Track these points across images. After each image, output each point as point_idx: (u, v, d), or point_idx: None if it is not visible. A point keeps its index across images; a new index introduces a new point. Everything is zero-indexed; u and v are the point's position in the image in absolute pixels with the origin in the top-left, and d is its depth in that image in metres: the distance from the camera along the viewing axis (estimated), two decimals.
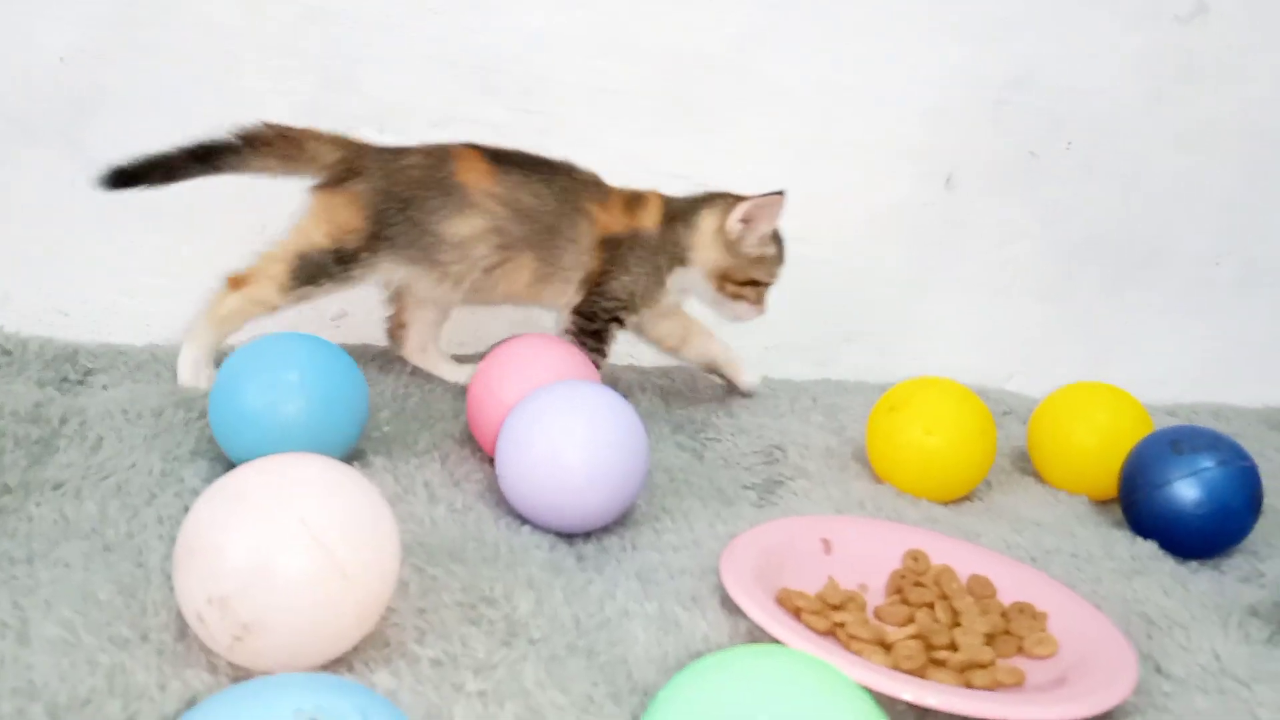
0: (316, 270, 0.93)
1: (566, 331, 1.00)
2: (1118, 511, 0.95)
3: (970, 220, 1.31)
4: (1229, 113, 1.33)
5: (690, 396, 1.13)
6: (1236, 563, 0.89)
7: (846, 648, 0.64)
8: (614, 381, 1.12)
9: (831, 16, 1.22)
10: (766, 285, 1.03)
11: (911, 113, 1.26)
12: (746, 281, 1.01)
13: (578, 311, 0.99)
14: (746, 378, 1.12)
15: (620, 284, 0.99)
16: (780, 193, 0.98)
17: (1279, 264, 1.42)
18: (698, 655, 0.63)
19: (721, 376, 1.13)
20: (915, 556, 0.77)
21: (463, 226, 0.94)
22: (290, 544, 0.54)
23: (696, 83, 1.20)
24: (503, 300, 1.00)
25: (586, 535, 0.78)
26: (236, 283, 0.93)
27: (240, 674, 0.55)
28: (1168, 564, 0.86)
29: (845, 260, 1.28)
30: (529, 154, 0.98)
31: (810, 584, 0.72)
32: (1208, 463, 0.88)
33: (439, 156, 0.95)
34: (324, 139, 0.94)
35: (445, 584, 0.66)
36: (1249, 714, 0.64)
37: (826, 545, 0.77)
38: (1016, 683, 0.63)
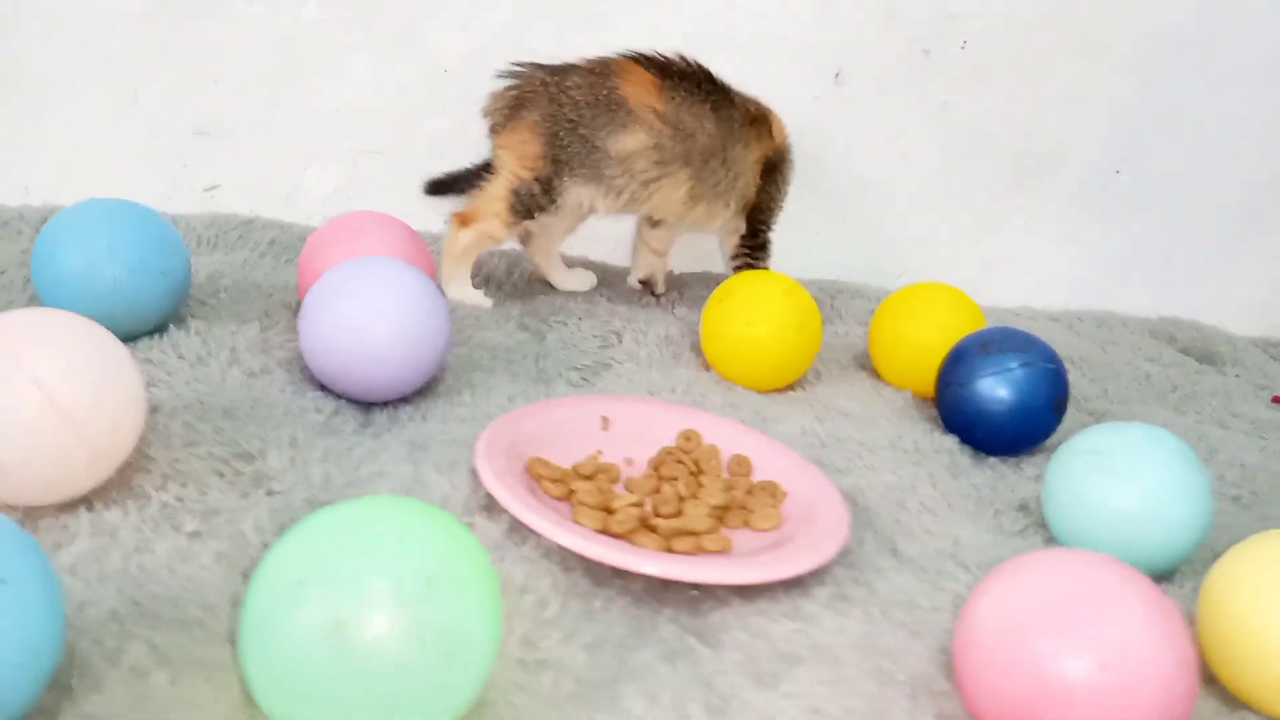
0: (530, 201, 1.01)
1: (739, 258, 1.10)
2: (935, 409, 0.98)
3: (860, 116, 1.31)
4: (1130, 18, 1.30)
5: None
6: (1037, 461, 0.92)
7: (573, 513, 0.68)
8: (480, 267, 1.15)
9: None
10: None
11: (804, 4, 1.24)
12: None
13: (745, 239, 1.09)
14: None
15: (771, 199, 1.08)
16: None
17: (1177, 174, 1.41)
18: None
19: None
20: (688, 436, 0.80)
21: (628, 141, 0.99)
22: (16, 394, 0.58)
23: None
24: (649, 214, 1.07)
25: (384, 404, 0.82)
26: (463, 219, 1.03)
27: None
28: (956, 458, 0.89)
29: None
30: (685, 59, 1.02)
31: (576, 456, 0.76)
32: (1012, 363, 0.90)
33: (602, 73, 1.00)
34: (498, 90, 1.01)
35: (208, 438, 0.71)
36: (952, 597, 0.68)
37: (605, 422, 0.80)
38: (722, 549, 0.67)
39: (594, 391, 0.92)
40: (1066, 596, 0.52)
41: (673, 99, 1.00)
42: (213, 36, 1.13)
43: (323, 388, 0.82)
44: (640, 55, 1.02)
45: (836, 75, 1.27)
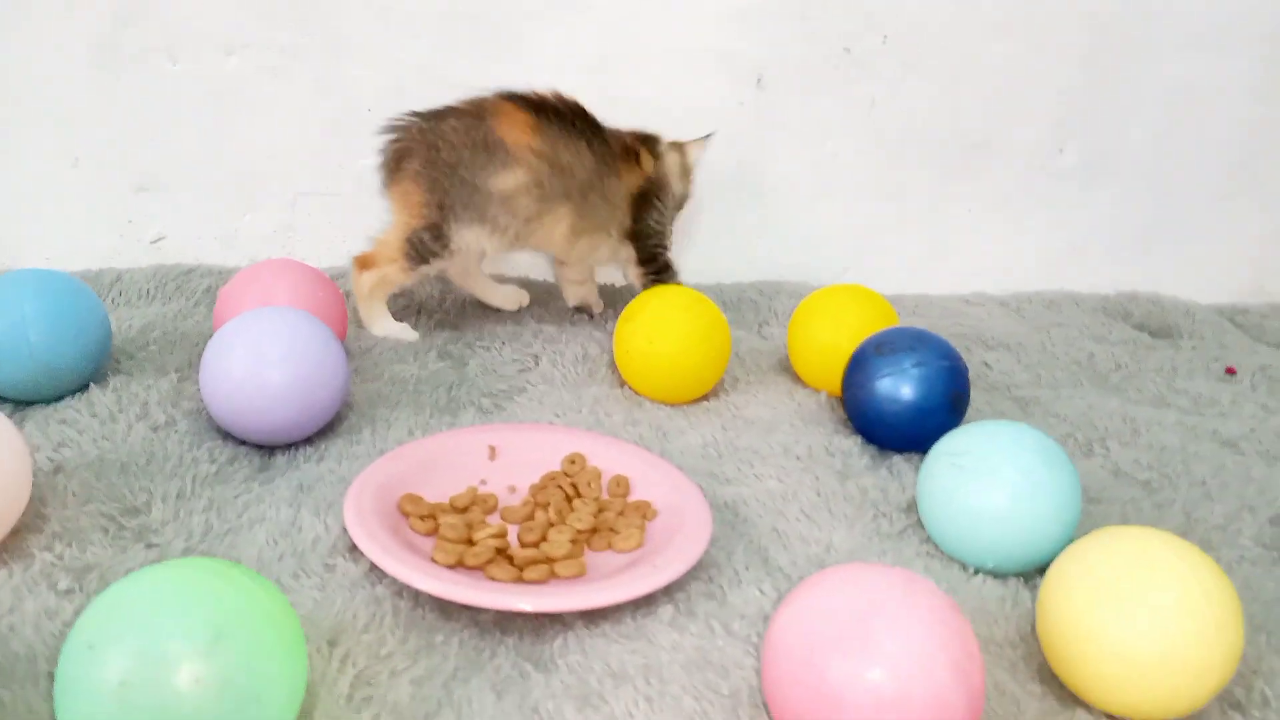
0: (423, 249, 1.04)
1: (640, 281, 1.13)
2: None
3: (788, 120, 1.32)
4: None
5: (485, 309, 1.19)
6: None
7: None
8: (412, 295, 1.19)
9: None
10: None
11: (717, 14, 1.26)
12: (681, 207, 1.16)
13: (642, 264, 1.12)
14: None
15: (654, 220, 1.11)
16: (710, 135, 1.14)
17: (1124, 151, 1.40)
18: (302, 557, 0.71)
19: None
20: (572, 459, 0.83)
21: (507, 180, 1.02)
22: None
23: None
24: (535, 249, 1.13)
25: (286, 447, 0.86)
26: (363, 263, 1.06)
27: None
28: (852, 460, 0.91)
29: None
30: (561, 96, 1.06)
31: (459, 487, 0.79)
32: (906, 363, 0.91)
33: (476, 114, 1.02)
34: (389, 137, 1.04)
35: (100, 495, 0.75)
36: None
37: (492, 452, 0.83)
38: (575, 575, 0.69)
39: (504, 416, 0.95)
40: (848, 612, 0.53)
41: (548, 136, 1.02)
42: (143, 96, 1.18)
43: (227, 435, 0.86)
44: (514, 94, 1.04)
45: (759, 80, 1.29)
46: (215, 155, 1.22)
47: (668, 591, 0.69)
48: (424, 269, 1.05)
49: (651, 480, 0.81)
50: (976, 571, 0.76)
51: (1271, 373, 1.21)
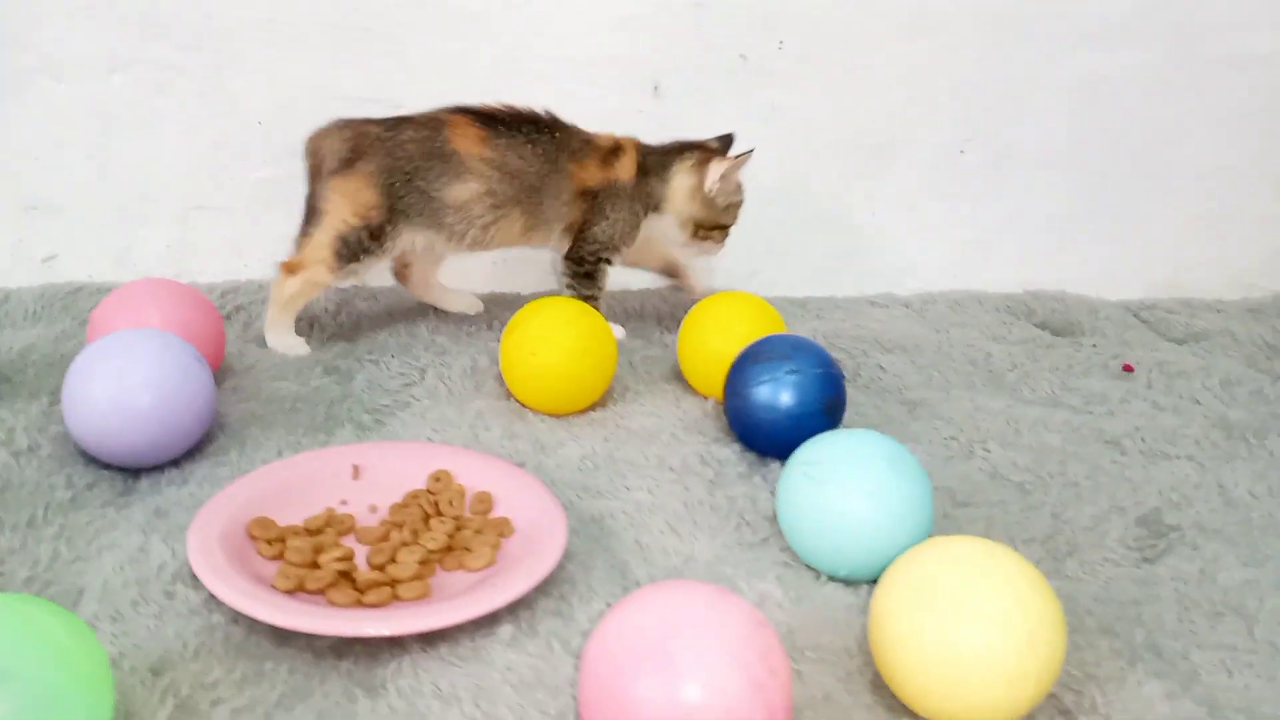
0: (356, 248, 1.05)
1: (563, 276, 1.13)
2: None
3: (688, 127, 1.31)
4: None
5: (387, 318, 1.19)
6: None
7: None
8: (307, 308, 1.18)
9: None
10: (729, 227, 1.15)
11: (609, 22, 1.26)
12: (715, 226, 1.14)
13: (568, 258, 1.12)
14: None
15: (600, 229, 1.10)
16: (751, 151, 1.11)
17: (1029, 148, 1.41)
18: (144, 585, 0.70)
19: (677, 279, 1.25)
20: (437, 477, 0.83)
21: (461, 190, 1.05)
22: None
23: (376, 9, 1.22)
24: (498, 248, 1.12)
25: (152, 469, 0.85)
26: (290, 268, 1.06)
27: None
28: (726, 469, 0.91)
29: None
30: (515, 110, 1.08)
31: (317, 509, 0.79)
32: (781, 371, 0.92)
33: (434, 126, 1.05)
34: (324, 135, 1.05)
35: None
36: None
37: (356, 471, 0.83)
38: (418, 597, 0.69)
39: (384, 432, 0.95)
40: (651, 630, 0.53)
41: (498, 145, 1.05)
42: (28, 116, 1.17)
43: (91, 459, 0.85)
44: (466, 108, 1.07)
45: (656, 88, 1.29)
46: (104, 172, 1.21)
47: (512, 610, 0.69)
48: (352, 267, 1.06)
49: (515, 497, 0.81)
50: (832, 579, 0.76)
51: (1169, 369, 1.22)
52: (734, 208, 1.14)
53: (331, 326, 1.17)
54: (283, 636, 0.65)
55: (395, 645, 0.65)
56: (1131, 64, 1.40)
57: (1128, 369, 1.24)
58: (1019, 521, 0.86)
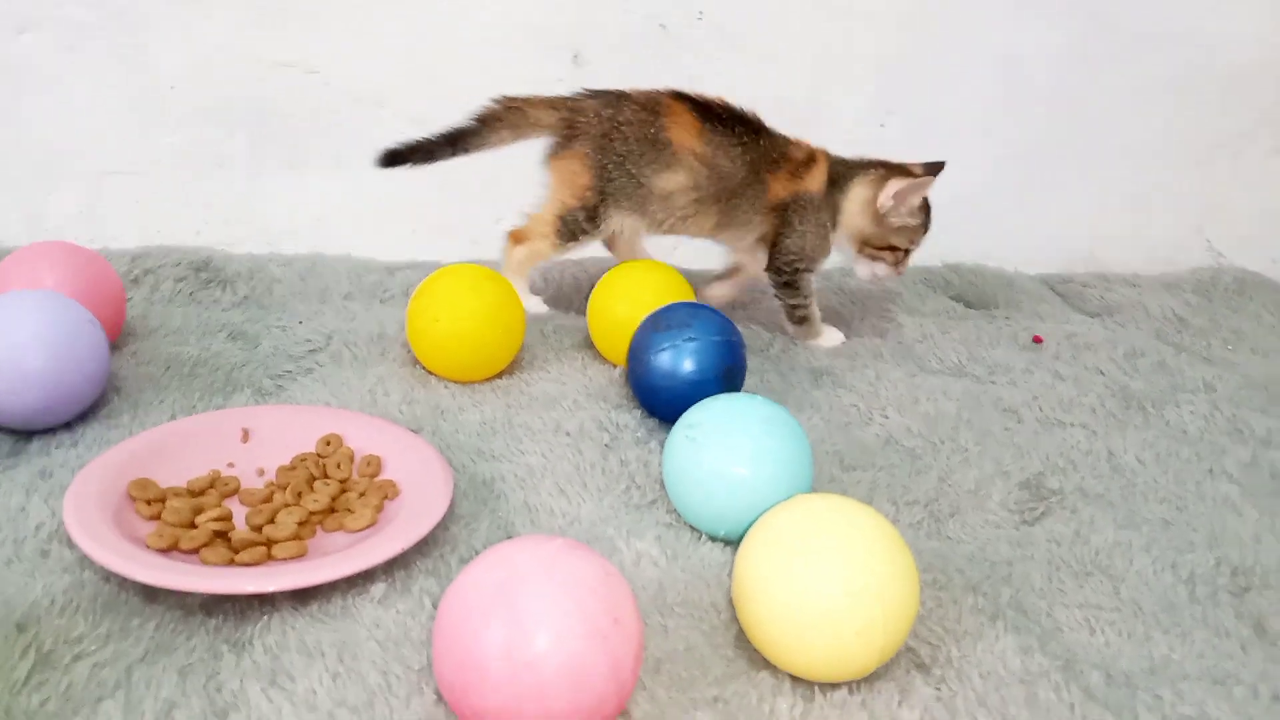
0: (575, 228, 1.09)
1: (772, 285, 1.14)
2: None
3: None
4: None
5: (300, 283, 1.18)
6: None
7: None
8: (220, 270, 1.17)
9: None
10: (905, 251, 1.12)
11: None
12: (885, 246, 1.11)
13: (768, 269, 1.13)
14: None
15: (791, 241, 1.10)
16: (935, 174, 1.08)
17: (948, 122, 1.42)
18: (20, 544, 0.70)
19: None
20: (327, 441, 0.83)
21: (669, 181, 1.06)
22: None
23: None
24: (681, 234, 1.13)
25: (44, 431, 0.85)
26: (517, 237, 1.10)
27: None
28: (623, 434, 0.92)
29: None
30: (727, 105, 1.09)
31: (202, 470, 0.79)
32: (680, 338, 0.93)
33: (651, 110, 1.06)
34: (544, 103, 1.07)
35: None
36: None
37: (245, 434, 0.83)
38: (293, 556, 0.69)
39: (283, 397, 0.95)
40: (495, 583, 0.54)
41: (711, 141, 1.06)
42: None
43: None
44: (685, 95, 1.08)
45: (575, 57, 1.29)
46: (15, 135, 1.20)
47: (388, 570, 0.70)
48: (571, 245, 1.10)
49: (405, 461, 0.81)
50: (711, 539, 0.77)
51: (1076, 341, 1.25)
52: (907, 231, 1.10)
53: (244, 290, 1.16)
54: (152, 594, 0.66)
55: (266, 603, 0.66)
56: (1052, 40, 1.42)
57: (1037, 340, 1.27)
58: (904, 484, 0.88)
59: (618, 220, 1.09)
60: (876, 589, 0.60)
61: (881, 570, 0.60)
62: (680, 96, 1.08)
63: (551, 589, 0.53)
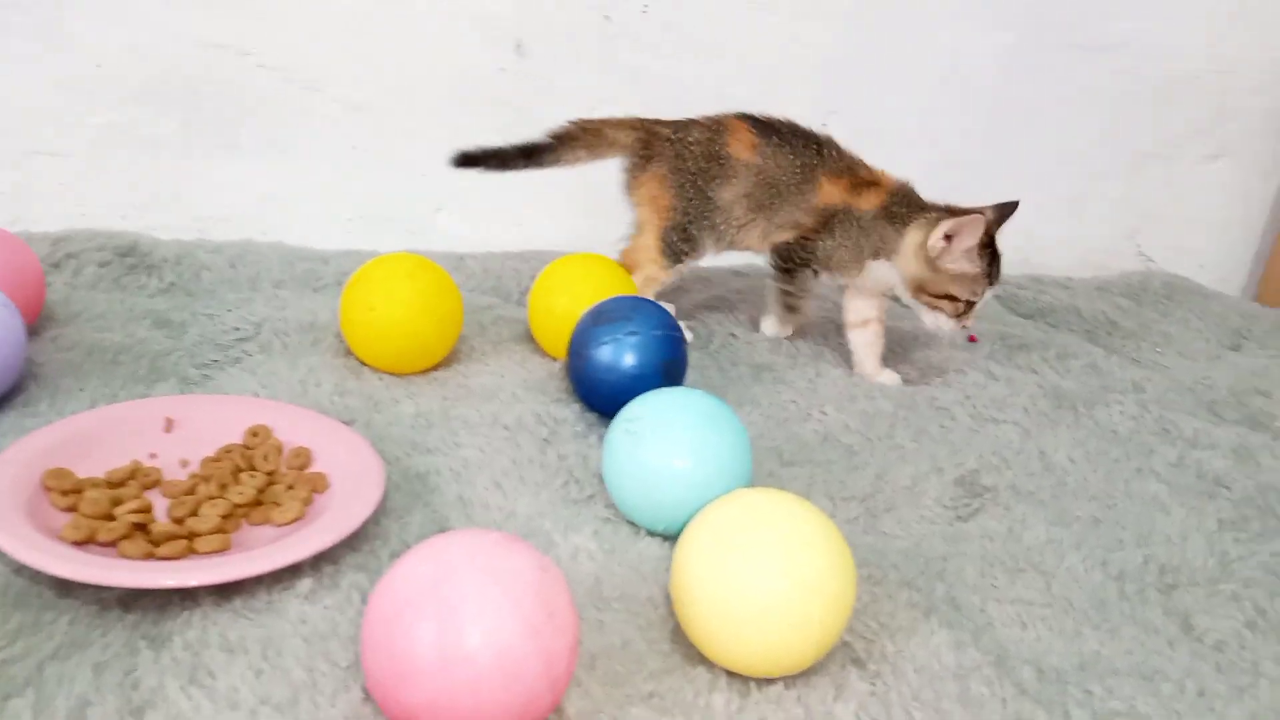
0: (674, 248, 1.09)
1: (769, 264, 1.11)
2: None
3: (551, 87, 1.30)
4: None
5: (230, 270, 1.15)
6: None
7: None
8: (147, 256, 1.14)
9: None
10: (966, 301, 1.04)
11: None
12: (942, 295, 1.04)
13: (775, 250, 1.10)
14: (885, 378, 1.13)
15: (822, 246, 1.08)
16: (982, 213, 1.01)
17: (889, 123, 1.43)
18: None
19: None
20: (255, 432, 0.81)
21: (729, 192, 1.06)
22: None
23: None
24: (739, 250, 1.12)
25: None
26: (628, 265, 1.11)
27: None
28: (561, 429, 0.91)
29: (422, 130, 1.28)
30: (794, 126, 1.09)
31: (123, 461, 0.76)
32: (621, 332, 0.92)
33: (715, 130, 1.07)
34: (620, 124, 1.09)
35: None
36: None
37: (169, 423, 0.80)
38: (216, 550, 0.67)
39: (210, 387, 0.92)
40: (427, 577, 0.53)
41: (765, 152, 1.06)
42: None
43: None
44: (749, 115, 1.09)
45: (518, 46, 1.27)
46: None
47: (316, 565, 0.68)
48: (679, 267, 1.10)
49: (335, 453, 0.79)
50: (650, 534, 0.77)
51: (1010, 341, 1.26)
52: (965, 280, 1.03)
53: (171, 277, 1.13)
54: (66, 588, 0.63)
55: (187, 598, 0.64)
56: (992, 45, 1.44)
57: (973, 340, 1.28)
58: (841, 480, 0.88)
59: (705, 238, 1.09)
60: (813, 583, 0.60)
61: (819, 565, 0.60)
62: (744, 117, 1.09)
63: (485, 583, 0.52)
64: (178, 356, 0.96)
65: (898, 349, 1.19)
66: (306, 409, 0.84)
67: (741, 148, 1.07)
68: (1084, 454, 0.99)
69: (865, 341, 1.12)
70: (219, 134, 1.23)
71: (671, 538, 0.76)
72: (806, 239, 1.08)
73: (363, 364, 0.98)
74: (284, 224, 1.26)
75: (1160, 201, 1.59)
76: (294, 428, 0.81)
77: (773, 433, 0.95)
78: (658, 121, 1.09)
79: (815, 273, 1.11)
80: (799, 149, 1.07)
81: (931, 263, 1.03)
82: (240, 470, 0.76)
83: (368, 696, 0.58)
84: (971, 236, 1.01)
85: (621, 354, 0.91)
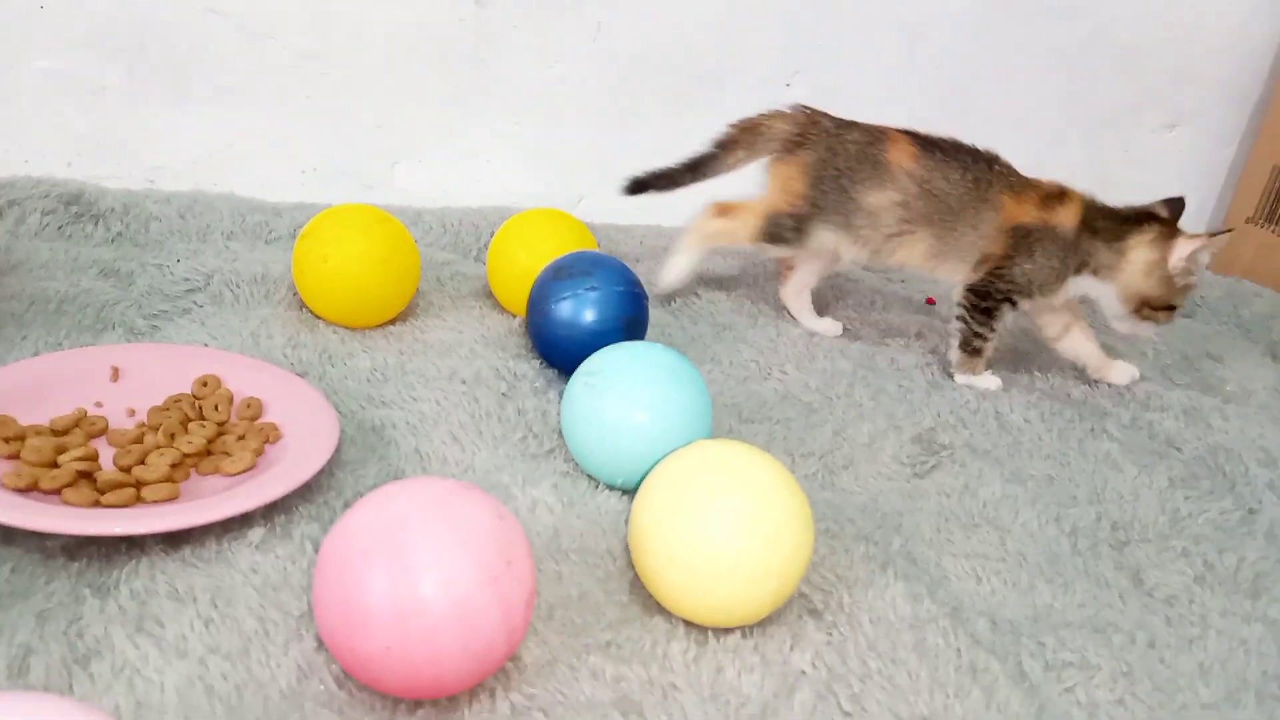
0: (779, 231, 1.06)
1: (959, 306, 1.05)
2: None
3: (510, 39, 1.28)
4: None
5: (179, 220, 1.12)
6: None
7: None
8: (95, 205, 1.10)
9: None
10: (1176, 309, 1.03)
11: None
12: (1163, 307, 1.02)
13: (971, 289, 1.04)
14: (1117, 377, 1.10)
15: (1021, 270, 1.02)
16: (1230, 231, 1.01)
17: (853, 84, 1.43)
18: None
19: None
20: (204, 382, 0.79)
21: (879, 197, 1.02)
22: None
23: None
24: (898, 266, 1.08)
25: None
26: (722, 210, 1.08)
27: None
28: (521, 384, 0.90)
29: (378, 81, 1.26)
30: (957, 143, 1.05)
31: (67, 409, 0.74)
32: (582, 288, 0.91)
33: (876, 136, 1.04)
34: (778, 116, 1.06)
35: None
36: None
37: (115, 373, 0.78)
38: (164, 499, 0.66)
39: (158, 338, 0.90)
40: (381, 526, 0.52)
41: (928, 164, 1.02)
42: None
43: None
44: (913, 132, 1.05)
45: None
46: None
47: (267, 515, 0.67)
48: (769, 247, 1.08)
49: (287, 404, 0.77)
50: (610, 488, 0.76)
51: None
52: (1188, 289, 1.02)
53: (118, 227, 1.10)
54: (8, 536, 0.61)
55: (134, 547, 0.62)
56: (956, 7, 1.43)
57: (930, 303, 1.29)
58: (800, 437, 0.88)
59: (823, 237, 1.06)
60: (771, 534, 0.60)
61: (777, 515, 0.60)
62: (907, 132, 1.06)
63: (441, 530, 0.51)
64: (125, 307, 0.93)
65: (854, 313, 1.19)
66: (258, 359, 0.83)
67: (902, 156, 1.03)
68: (1039, 415, 1.00)
69: (1079, 343, 1.10)
70: (168, 81, 1.19)
71: (630, 492, 0.76)
72: (1000, 268, 1.03)
73: (316, 317, 0.96)
74: (235, 176, 1.23)
75: (1117, 168, 1.60)
76: (245, 378, 0.80)
77: (733, 390, 0.95)
78: (824, 113, 1.07)
79: (1014, 304, 1.04)
80: (969, 164, 1.03)
81: (1167, 280, 1.01)
82: (189, 420, 0.75)
83: (321, 646, 0.57)
84: (1210, 255, 1.00)
85: (582, 309, 0.90)
